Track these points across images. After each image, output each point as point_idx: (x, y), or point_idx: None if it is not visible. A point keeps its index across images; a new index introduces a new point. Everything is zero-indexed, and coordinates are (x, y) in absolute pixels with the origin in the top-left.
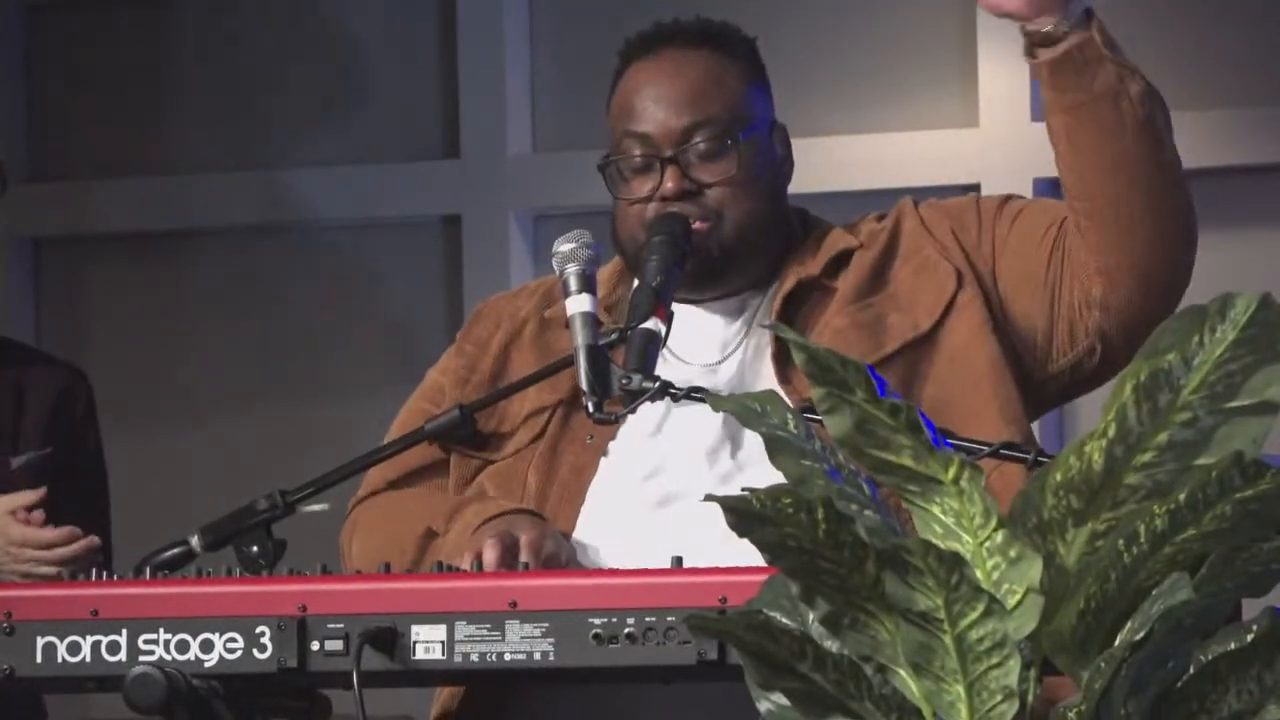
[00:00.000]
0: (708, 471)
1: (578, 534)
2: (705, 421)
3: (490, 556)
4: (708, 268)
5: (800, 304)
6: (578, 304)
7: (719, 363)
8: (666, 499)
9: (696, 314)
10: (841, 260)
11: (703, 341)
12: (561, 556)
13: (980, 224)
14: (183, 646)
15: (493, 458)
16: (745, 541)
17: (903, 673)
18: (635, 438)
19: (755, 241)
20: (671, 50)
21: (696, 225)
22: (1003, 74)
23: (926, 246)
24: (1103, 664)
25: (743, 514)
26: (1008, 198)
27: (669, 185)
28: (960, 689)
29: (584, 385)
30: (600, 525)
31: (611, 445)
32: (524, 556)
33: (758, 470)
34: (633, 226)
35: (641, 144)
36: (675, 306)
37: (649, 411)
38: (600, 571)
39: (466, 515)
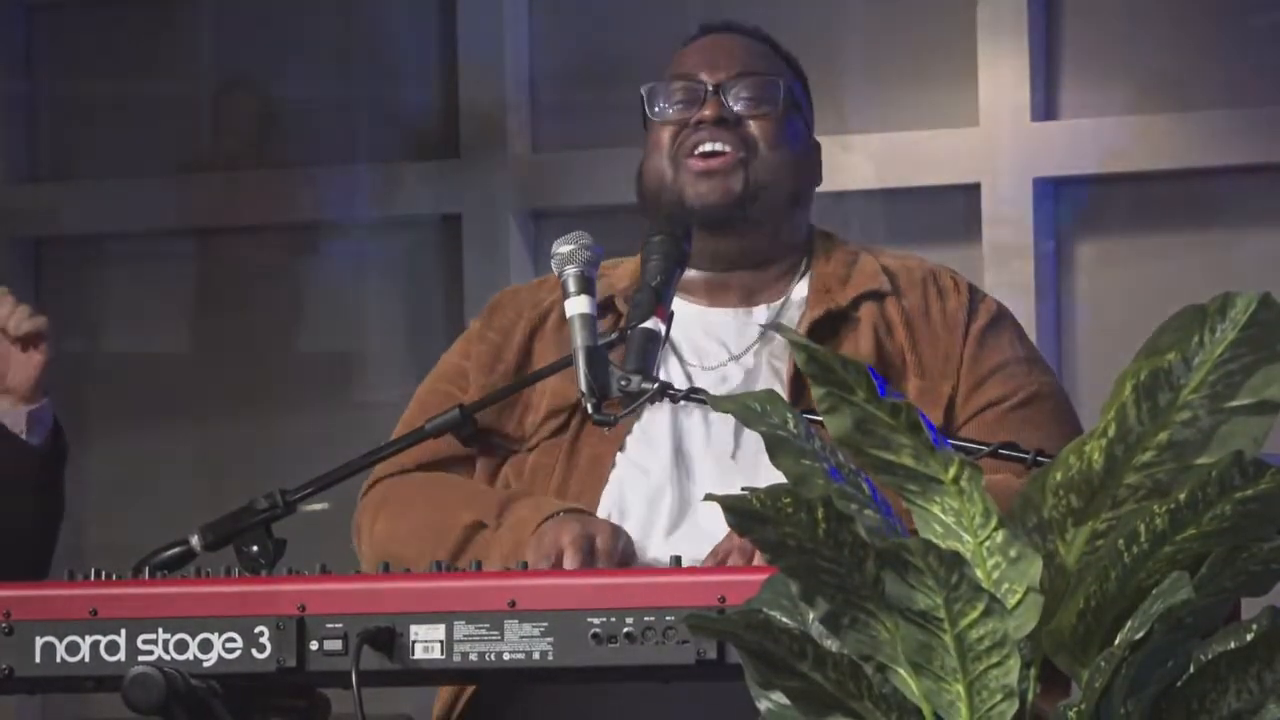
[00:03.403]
0: (721, 460)
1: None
2: (718, 413)
3: (573, 562)
4: (730, 203)
5: (826, 333)
6: (576, 305)
7: (723, 365)
8: (682, 488)
9: (705, 316)
10: (869, 296)
11: (712, 346)
12: (633, 558)
13: (977, 384)
14: (181, 646)
15: (516, 449)
16: None
17: (902, 672)
18: (653, 426)
19: (780, 193)
20: (731, 32)
21: (728, 153)
22: (1003, 74)
23: (946, 374)
24: (1103, 663)
25: (743, 513)
26: (1033, 395)
27: (708, 112)
28: (960, 688)
29: (583, 387)
30: (619, 514)
31: (628, 438)
32: (602, 564)
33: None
34: (661, 158)
35: (688, 79)
36: (683, 308)
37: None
38: (599, 571)
39: (520, 512)
